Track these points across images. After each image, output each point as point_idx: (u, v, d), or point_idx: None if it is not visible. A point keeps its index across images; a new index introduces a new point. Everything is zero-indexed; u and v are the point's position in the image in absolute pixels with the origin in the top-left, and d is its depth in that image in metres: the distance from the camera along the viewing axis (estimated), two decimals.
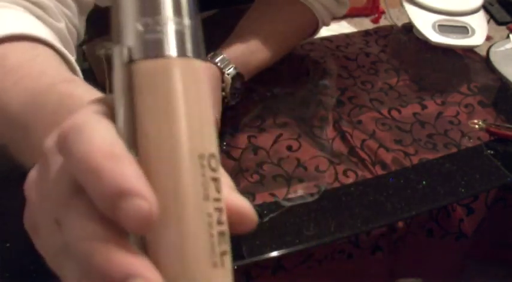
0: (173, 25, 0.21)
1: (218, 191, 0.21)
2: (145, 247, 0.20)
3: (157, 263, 0.19)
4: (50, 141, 0.22)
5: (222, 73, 0.65)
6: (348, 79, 0.79)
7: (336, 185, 0.60)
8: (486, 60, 0.84)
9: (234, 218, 0.21)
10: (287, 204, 0.57)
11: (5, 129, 0.36)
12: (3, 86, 0.36)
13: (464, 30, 0.81)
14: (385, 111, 0.72)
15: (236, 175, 0.61)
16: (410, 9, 0.84)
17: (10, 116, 0.35)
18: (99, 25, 0.74)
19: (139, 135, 0.20)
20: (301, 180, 0.60)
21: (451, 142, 0.67)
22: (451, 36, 0.80)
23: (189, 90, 0.20)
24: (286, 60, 0.76)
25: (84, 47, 0.76)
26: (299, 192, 0.59)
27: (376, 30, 0.92)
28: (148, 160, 0.20)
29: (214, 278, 0.20)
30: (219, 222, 0.20)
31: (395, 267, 0.68)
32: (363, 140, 0.67)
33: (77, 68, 0.43)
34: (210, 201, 0.20)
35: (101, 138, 0.19)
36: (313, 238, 0.54)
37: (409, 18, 0.84)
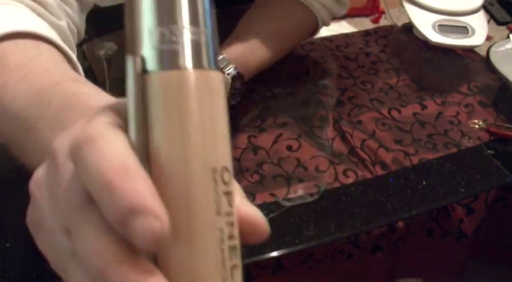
0: (189, 35, 0.20)
1: (230, 204, 0.20)
2: (155, 260, 0.20)
3: (167, 277, 0.19)
4: (60, 143, 0.21)
5: (222, 73, 0.65)
6: (348, 79, 0.79)
7: (336, 185, 0.60)
8: (486, 60, 0.84)
9: (245, 229, 0.21)
10: (287, 204, 0.57)
11: (7, 127, 0.36)
12: (6, 83, 0.36)
13: (464, 30, 0.81)
14: (385, 111, 0.72)
15: (236, 175, 0.61)
16: (410, 9, 0.84)
17: (13, 113, 0.35)
18: (99, 25, 0.74)
19: (152, 148, 0.20)
20: (301, 180, 0.60)
21: (451, 142, 0.67)
22: (451, 36, 0.80)
23: (204, 103, 0.20)
24: (286, 60, 0.76)
25: (84, 47, 0.76)
26: (299, 192, 0.59)
27: (376, 30, 0.92)
28: (160, 174, 0.20)
29: None
30: (230, 237, 0.20)
31: (395, 267, 0.68)
32: (363, 140, 0.67)
33: (79, 66, 0.43)
34: (222, 216, 0.20)
35: (114, 152, 0.19)
36: (313, 238, 0.54)
37: (409, 18, 0.84)
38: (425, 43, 0.82)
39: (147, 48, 0.20)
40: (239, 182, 0.60)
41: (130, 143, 0.20)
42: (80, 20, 0.53)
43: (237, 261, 0.20)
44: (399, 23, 0.94)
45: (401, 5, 0.85)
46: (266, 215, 0.56)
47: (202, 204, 0.19)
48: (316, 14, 0.74)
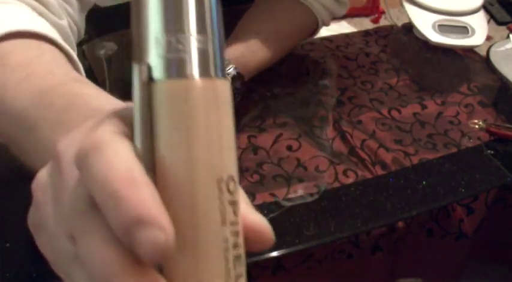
0: (196, 43, 0.20)
1: (235, 214, 0.20)
2: (160, 269, 0.20)
3: None
4: (64, 147, 0.21)
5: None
6: (348, 79, 0.79)
7: (336, 185, 0.60)
8: (486, 60, 0.84)
9: (250, 236, 0.21)
10: (287, 204, 0.57)
11: (7, 126, 0.36)
12: (7, 83, 0.36)
13: (464, 30, 0.81)
14: (385, 111, 0.72)
15: None
16: (410, 9, 0.84)
17: (13, 113, 0.35)
18: (99, 25, 0.74)
19: (157, 157, 0.20)
20: (301, 180, 0.60)
21: (451, 142, 0.67)
22: (451, 36, 0.80)
23: (210, 112, 0.20)
24: (286, 60, 0.76)
25: (84, 47, 0.76)
26: (299, 192, 0.59)
27: (376, 30, 0.92)
28: (165, 183, 0.19)
29: None
30: (235, 246, 0.20)
31: (395, 267, 0.68)
32: (363, 140, 0.67)
33: (80, 66, 0.42)
34: (227, 225, 0.20)
35: (121, 161, 0.19)
36: (313, 238, 0.54)
37: (409, 18, 0.84)
38: (425, 43, 0.82)
39: (154, 57, 0.20)
40: (239, 182, 0.60)
41: (136, 152, 0.20)
42: (80, 19, 0.53)
43: (242, 270, 0.20)
44: (399, 23, 0.94)
45: (401, 5, 0.85)
46: (266, 215, 0.56)
47: (207, 213, 0.19)
48: (316, 14, 0.74)
